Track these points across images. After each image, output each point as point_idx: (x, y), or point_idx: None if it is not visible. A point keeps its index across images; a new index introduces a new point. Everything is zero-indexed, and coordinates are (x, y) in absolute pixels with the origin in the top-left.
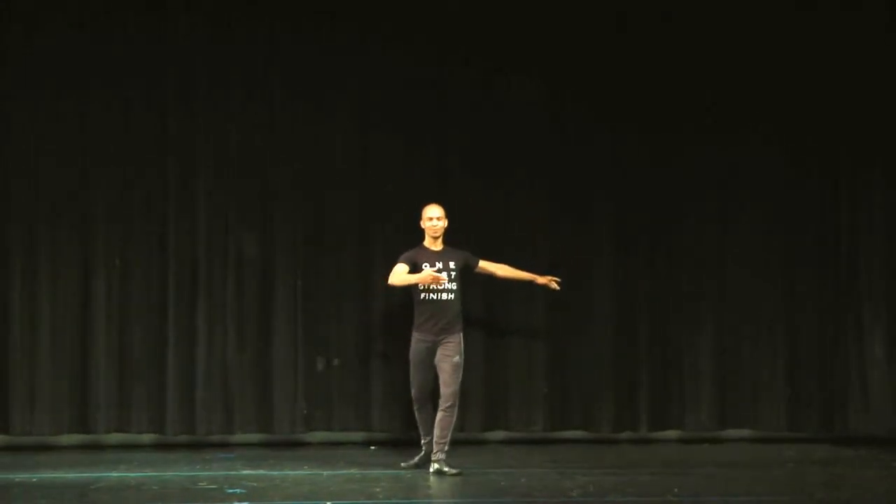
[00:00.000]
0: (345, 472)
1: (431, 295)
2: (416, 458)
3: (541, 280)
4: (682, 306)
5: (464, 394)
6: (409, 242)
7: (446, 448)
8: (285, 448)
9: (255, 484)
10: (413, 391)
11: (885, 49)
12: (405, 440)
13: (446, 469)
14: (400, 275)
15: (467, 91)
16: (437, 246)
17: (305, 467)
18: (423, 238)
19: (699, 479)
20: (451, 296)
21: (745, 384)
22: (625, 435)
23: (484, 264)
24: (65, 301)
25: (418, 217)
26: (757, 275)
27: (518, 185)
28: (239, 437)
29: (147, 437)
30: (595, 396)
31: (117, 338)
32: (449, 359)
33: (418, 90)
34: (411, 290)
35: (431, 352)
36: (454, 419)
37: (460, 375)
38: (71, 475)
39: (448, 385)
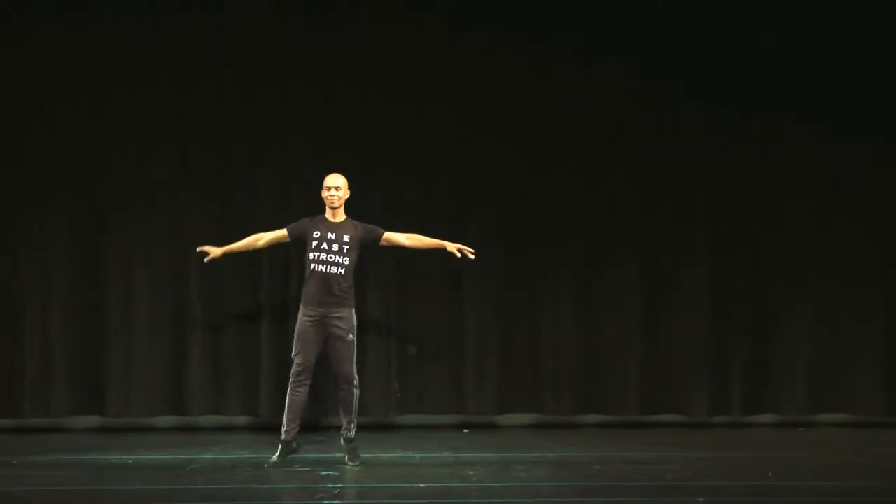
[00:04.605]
0: (438, 454)
1: (320, 266)
2: (278, 453)
3: (451, 247)
4: (778, 291)
5: (556, 376)
6: (506, 221)
7: (354, 426)
8: (378, 431)
9: (347, 466)
10: (292, 367)
11: None
12: (499, 424)
13: (349, 462)
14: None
15: (558, 70)
16: (335, 217)
17: (398, 450)
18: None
19: (794, 464)
20: (341, 270)
21: (840, 369)
22: (719, 419)
23: (390, 236)
24: (160, 283)
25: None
26: (854, 261)
27: (615, 171)
28: (332, 420)
29: (241, 420)
30: (689, 380)
31: (213, 320)
32: (342, 339)
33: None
34: (303, 260)
35: (318, 329)
36: (356, 398)
37: (354, 353)
38: (166, 456)
39: (343, 364)
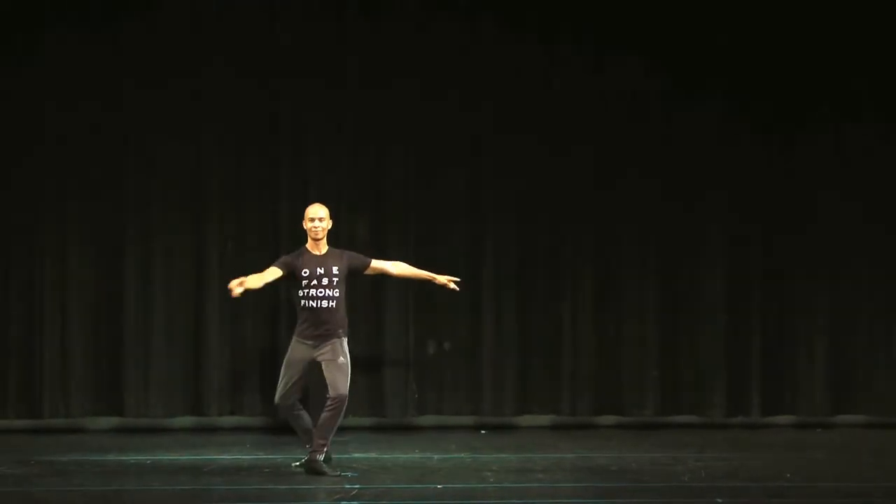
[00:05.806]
0: (455, 455)
1: (310, 303)
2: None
3: (439, 280)
4: (796, 292)
5: (573, 377)
6: (522, 225)
7: (325, 450)
8: (396, 432)
9: (366, 467)
10: (276, 394)
11: None
12: (516, 425)
13: (326, 470)
14: (257, 276)
15: (566, 72)
16: (320, 249)
17: (416, 451)
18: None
19: (812, 465)
20: (332, 303)
21: (859, 369)
22: (737, 420)
23: (377, 264)
24: (178, 285)
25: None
26: (871, 262)
27: (628, 170)
28: (351, 421)
29: (259, 421)
30: (707, 381)
31: (230, 321)
32: (333, 362)
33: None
34: (293, 295)
35: (306, 357)
36: (339, 421)
37: (348, 376)
38: (184, 457)
39: (336, 387)
